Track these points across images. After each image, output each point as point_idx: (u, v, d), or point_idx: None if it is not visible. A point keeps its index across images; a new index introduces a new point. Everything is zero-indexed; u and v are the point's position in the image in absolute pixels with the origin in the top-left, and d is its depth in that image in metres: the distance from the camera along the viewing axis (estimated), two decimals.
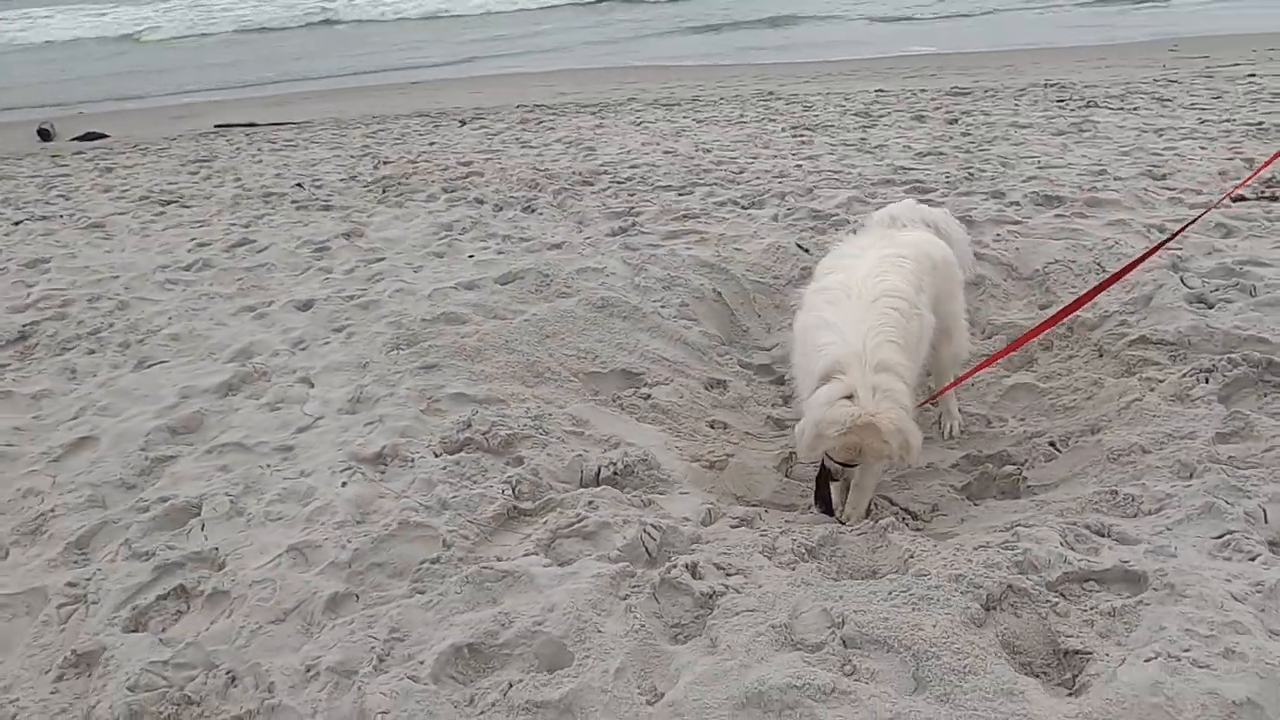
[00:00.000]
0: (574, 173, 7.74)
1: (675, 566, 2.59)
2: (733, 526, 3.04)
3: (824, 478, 3.31)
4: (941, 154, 7.41)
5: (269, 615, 2.58)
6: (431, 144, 10.13)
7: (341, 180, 8.41)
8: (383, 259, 5.62)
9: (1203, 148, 6.98)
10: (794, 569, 2.67)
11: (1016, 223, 5.35)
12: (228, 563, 2.83)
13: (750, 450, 3.93)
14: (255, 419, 3.75)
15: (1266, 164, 3.44)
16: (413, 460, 3.33)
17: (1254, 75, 10.39)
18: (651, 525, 2.88)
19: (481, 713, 2.18)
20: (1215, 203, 3.70)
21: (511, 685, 2.21)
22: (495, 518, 2.96)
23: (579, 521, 2.88)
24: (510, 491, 3.08)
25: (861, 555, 2.79)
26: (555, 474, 3.28)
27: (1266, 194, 5.48)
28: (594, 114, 11.48)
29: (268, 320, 4.81)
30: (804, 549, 2.79)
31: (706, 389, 4.37)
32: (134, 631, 2.63)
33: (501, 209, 6.70)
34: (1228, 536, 2.58)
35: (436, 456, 3.34)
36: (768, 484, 3.69)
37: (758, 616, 2.37)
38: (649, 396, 4.12)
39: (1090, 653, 2.26)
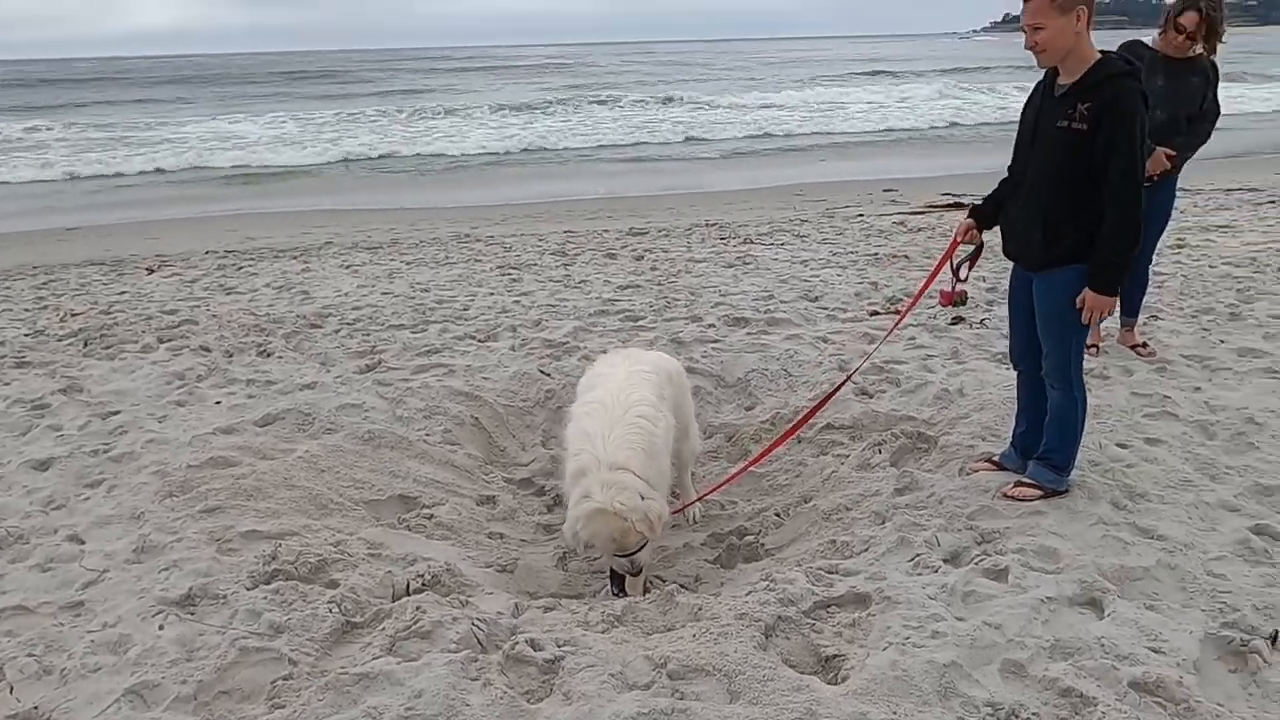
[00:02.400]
0: (298, 316, 7.87)
1: (518, 643, 2.99)
2: (543, 612, 3.49)
3: (615, 578, 3.92)
4: (639, 287, 8.51)
5: None
6: (122, 293, 9.64)
7: (26, 335, 7.82)
8: (118, 412, 5.45)
9: (838, 274, 8.67)
10: (609, 633, 3.18)
11: (716, 341, 6.41)
12: (55, 717, 2.79)
13: (530, 554, 4.40)
14: (29, 581, 3.60)
15: (926, 284, 4.56)
16: (225, 596, 3.42)
17: (863, 215, 12.89)
18: (478, 619, 3.26)
19: None
20: (900, 317, 4.90)
21: None
22: (332, 633, 3.18)
23: (414, 624, 3.19)
24: (338, 609, 3.30)
25: (658, 617, 3.36)
26: (372, 591, 3.53)
27: (893, 309, 7.04)
28: (296, 258, 11.53)
29: (3, 483, 4.52)
30: (612, 618, 3.32)
31: (479, 505, 4.79)
32: None
33: (233, 355, 6.70)
34: (917, 559, 3.49)
35: (250, 590, 3.46)
36: (554, 580, 4.19)
37: (597, 670, 2.85)
38: (432, 516, 4.45)
39: (844, 655, 2.99)
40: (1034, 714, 2.64)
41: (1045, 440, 3.89)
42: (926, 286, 4.27)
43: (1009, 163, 3.94)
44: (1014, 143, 3.88)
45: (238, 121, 30.61)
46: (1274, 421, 4.70)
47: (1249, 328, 6.34)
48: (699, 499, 4.59)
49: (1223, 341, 6.02)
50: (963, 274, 4.08)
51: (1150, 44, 5.51)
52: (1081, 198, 3.53)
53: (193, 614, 3.34)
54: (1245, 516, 3.77)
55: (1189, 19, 5.30)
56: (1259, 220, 10.79)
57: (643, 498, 3.52)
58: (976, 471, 4.16)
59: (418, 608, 3.30)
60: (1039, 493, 3.84)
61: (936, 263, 4.27)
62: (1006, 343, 4.29)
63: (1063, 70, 3.61)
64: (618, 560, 3.67)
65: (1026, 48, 3.56)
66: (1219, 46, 5.49)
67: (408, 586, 3.62)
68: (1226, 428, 4.63)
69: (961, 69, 51.23)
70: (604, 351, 5.63)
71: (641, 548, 3.62)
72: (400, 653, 3.06)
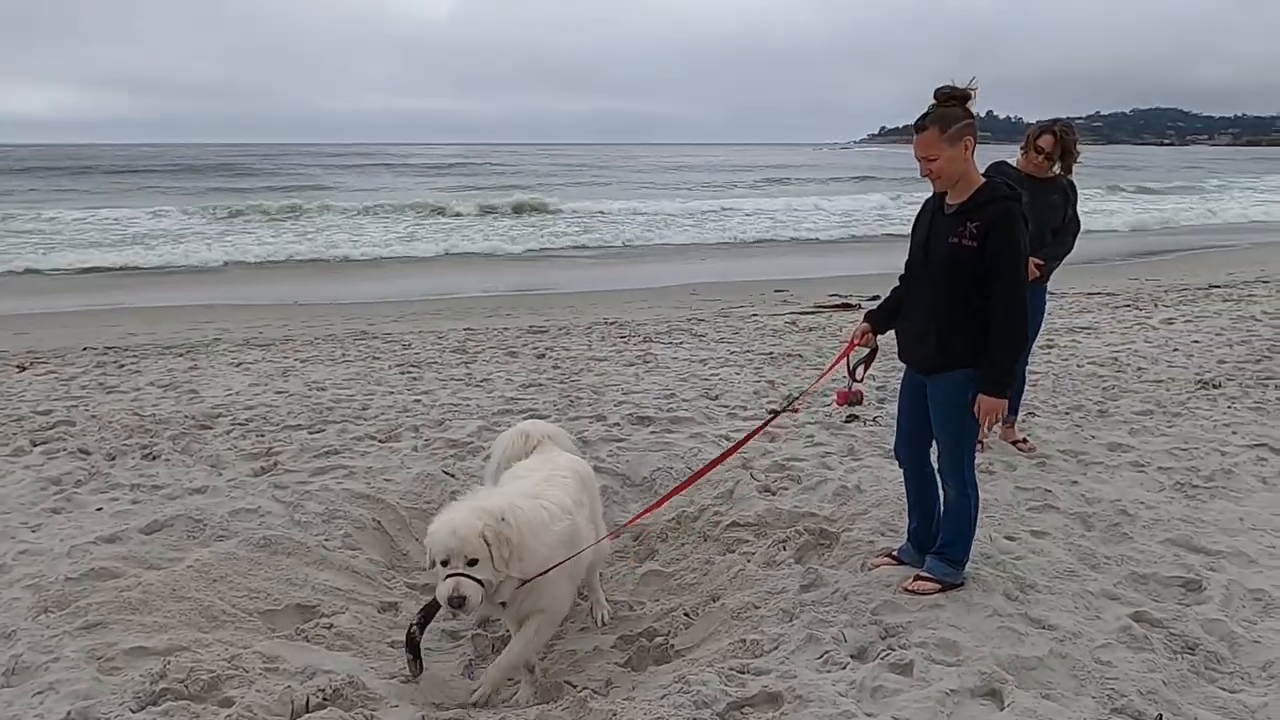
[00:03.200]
0: (186, 417, 7.58)
1: None
2: None
3: (427, 612, 3.86)
4: (541, 385, 8.54)
5: None
6: None
7: None
8: None
9: (736, 373, 8.92)
10: None
11: (621, 440, 6.47)
12: None
13: (435, 663, 4.26)
14: None
15: (825, 374, 4.84)
16: None
17: (756, 315, 13.32)
18: None
19: None
20: (781, 409, 5.12)
21: None
22: None
23: None
24: None
25: None
26: (269, 708, 3.36)
27: (790, 407, 7.26)
28: (182, 355, 11.13)
29: None
30: None
31: (380, 612, 4.64)
32: None
33: (115, 458, 6.38)
34: (826, 655, 3.56)
35: (135, 712, 3.25)
36: (461, 690, 4.05)
37: None
38: (331, 625, 4.29)
39: None
40: None
41: (941, 535, 4.06)
42: (825, 376, 4.50)
43: (901, 271, 4.22)
44: (907, 256, 4.16)
45: (119, 210, 29.74)
46: (1144, 512, 5.02)
47: (1115, 423, 6.80)
48: (622, 529, 4.50)
49: (1094, 437, 6.44)
50: (859, 375, 4.30)
51: (1014, 164, 6.02)
52: (971, 308, 3.80)
53: None
54: (1125, 604, 3.99)
55: (1046, 141, 5.87)
56: (1117, 322, 11.66)
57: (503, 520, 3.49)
58: (878, 567, 4.29)
59: None
60: (937, 586, 3.98)
61: (832, 360, 4.50)
62: (895, 440, 4.49)
63: (951, 192, 3.92)
64: (446, 580, 3.39)
65: (922, 175, 3.86)
66: (1074, 166, 6.05)
67: (307, 702, 3.46)
68: (1102, 519, 4.93)
69: (842, 178, 54.14)
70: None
71: (477, 575, 3.40)
72: None
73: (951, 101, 3.78)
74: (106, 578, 4.31)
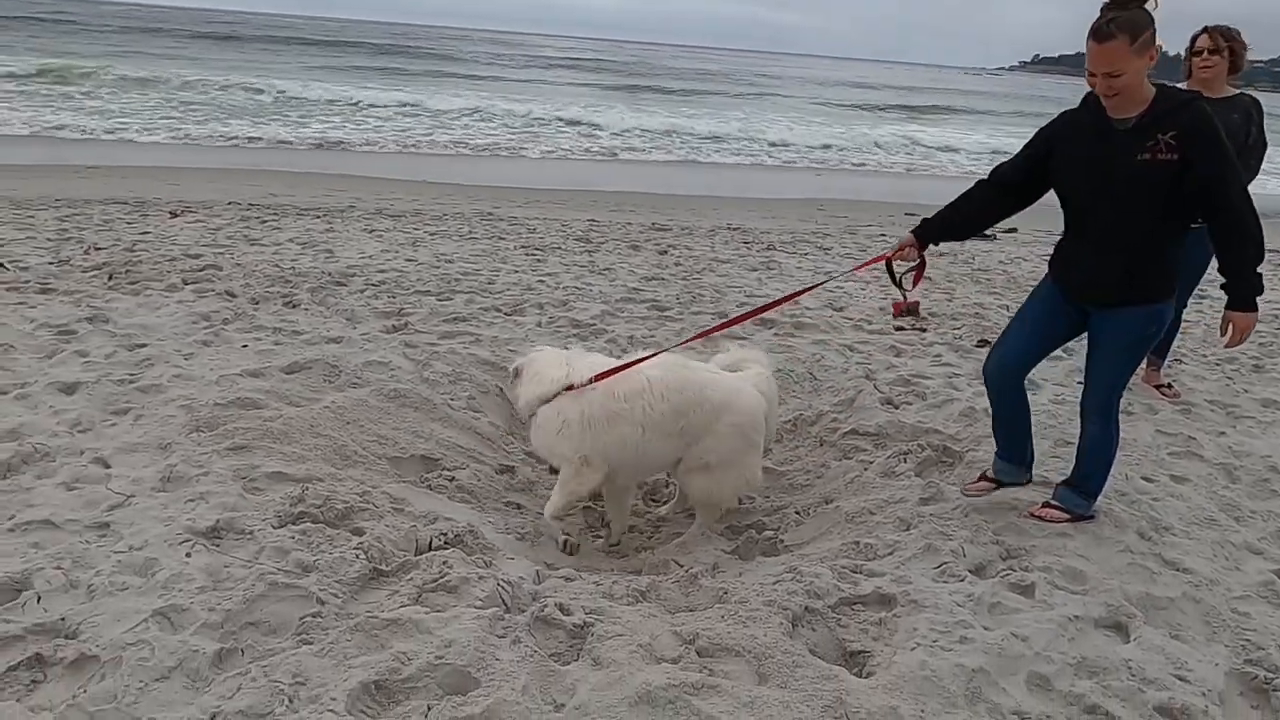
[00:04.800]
0: (323, 273, 7.86)
1: (547, 605, 3.00)
2: (565, 581, 3.49)
3: None
4: (663, 279, 8.50)
5: (152, 674, 2.60)
6: (144, 234, 9.61)
7: (51, 264, 7.80)
8: (145, 345, 5.43)
9: (861, 288, 8.68)
10: (635, 606, 3.18)
11: (743, 339, 6.40)
12: (82, 630, 2.78)
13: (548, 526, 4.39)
14: (56, 497, 3.59)
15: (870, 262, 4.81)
16: (252, 532, 3.41)
17: (885, 235, 12.88)
18: (504, 579, 3.26)
19: None
20: (839, 275, 5.11)
21: (430, 708, 2.49)
22: (360, 578, 3.18)
23: (441, 577, 3.19)
24: (364, 556, 3.30)
25: (680, 598, 3.36)
26: (396, 542, 3.52)
27: (918, 326, 7.06)
28: (319, 218, 11.49)
29: (30, 402, 4.50)
30: (637, 593, 3.32)
31: (498, 473, 4.78)
32: None
33: (258, 303, 6.68)
34: (943, 566, 3.50)
35: (277, 529, 3.46)
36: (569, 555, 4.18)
37: (625, 640, 2.85)
38: (453, 479, 4.45)
39: (870, 651, 2.99)
40: None
41: (1079, 469, 3.87)
42: (858, 268, 4.77)
43: (984, 182, 4.00)
44: (1003, 164, 3.95)
45: (258, 79, 30.51)
46: None
47: (1271, 380, 6.36)
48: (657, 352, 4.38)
49: (1246, 391, 6.04)
50: (907, 285, 4.17)
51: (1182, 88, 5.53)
52: (1162, 232, 3.48)
53: (219, 546, 3.33)
54: (1269, 560, 3.78)
55: (1203, 40, 5.41)
56: None
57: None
58: (975, 490, 4.14)
59: (444, 562, 3.30)
60: (1066, 516, 3.84)
61: (867, 260, 4.75)
62: (1000, 354, 4.07)
63: (1118, 109, 3.45)
64: None
65: (1101, 93, 3.41)
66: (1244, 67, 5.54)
67: (430, 542, 3.61)
68: (1250, 473, 4.65)
69: (998, 112, 51.14)
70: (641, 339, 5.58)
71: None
72: (428, 604, 3.06)
73: (1131, 2, 3.30)
74: (251, 407, 4.56)
